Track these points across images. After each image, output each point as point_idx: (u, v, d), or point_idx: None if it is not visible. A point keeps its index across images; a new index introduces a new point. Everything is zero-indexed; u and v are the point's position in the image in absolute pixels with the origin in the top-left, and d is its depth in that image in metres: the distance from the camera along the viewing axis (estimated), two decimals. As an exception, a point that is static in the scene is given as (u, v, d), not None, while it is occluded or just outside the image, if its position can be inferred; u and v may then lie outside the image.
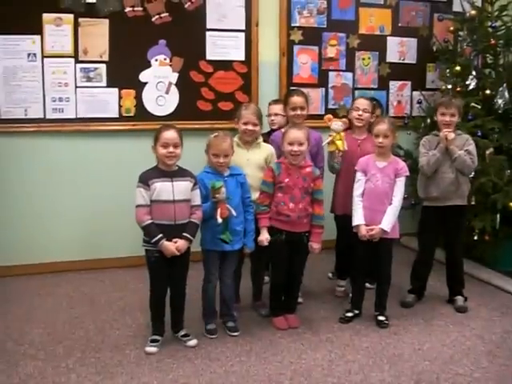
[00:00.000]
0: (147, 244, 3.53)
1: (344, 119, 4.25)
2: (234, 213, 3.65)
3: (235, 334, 3.82)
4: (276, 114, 4.52)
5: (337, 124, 4.13)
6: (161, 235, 3.45)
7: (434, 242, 4.38)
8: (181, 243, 3.50)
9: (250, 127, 3.96)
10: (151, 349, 3.56)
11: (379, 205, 3.92)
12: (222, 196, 3.59)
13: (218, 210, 3.60)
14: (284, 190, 3.81)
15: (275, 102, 4.67)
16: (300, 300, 4.27)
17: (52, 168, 4.89)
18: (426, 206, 4.35)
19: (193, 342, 3.66)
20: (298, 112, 4.16)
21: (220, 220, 3.59)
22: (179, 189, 3.52)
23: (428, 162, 4.16)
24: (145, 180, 3.50)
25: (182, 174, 3.58)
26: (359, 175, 4.01)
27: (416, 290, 4.43)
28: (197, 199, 3.60)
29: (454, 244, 4.34)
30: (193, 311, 3.87)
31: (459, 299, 4.34)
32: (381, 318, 4.02)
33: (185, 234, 3.52)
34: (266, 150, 4.06)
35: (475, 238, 4.84)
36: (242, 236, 3.80)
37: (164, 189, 3.49)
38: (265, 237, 3.81)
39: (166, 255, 3.49)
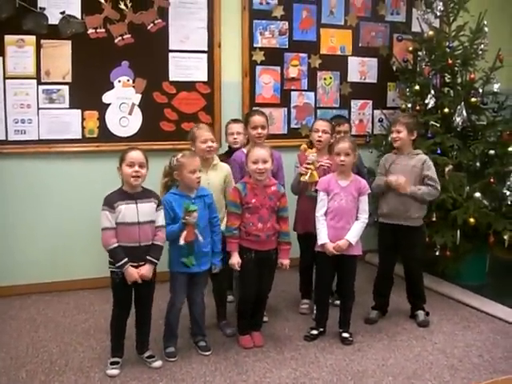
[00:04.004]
0: (112, 266, 3.51)
1: (314, 149, 4.34)
2: (200, 238, 3.65)
3: (207, 353, 3.82)
4: (238, 133, 4.56)
5: (313, 155, 4.23)
6: (125, 260, 3.44)
7: (391, 258, 4.43)
8: (145, 270, 3.49)
9: (210, 143, 3.99)
10: (113, 371, 3.53)
11: (344, 223, 3.97)
12: (192, 220, 3.58)
13: (184, 233, 3.60)
14: (251, 211, 3.83)
15: (235, 121, 4.72)
16: (265, 318, 4.28)
17: (14, 190, 4.84)
18: (381, 222, 4.44)
19: (158, 364, 3.64)
20: (259, 130, 4.24)
21: (182, 242, 3.59)
22: (144, 210, 3.52)
23: (377, 186, 4.34)
24: (110, 203, 3.49)
25: (146, 195, 3.57)
26: (321, 195, 4.04)
27: (379, 306, 4.48)
28: (160, 220, 3.59)
29: (410, 260, 4.39)
30: (158, 332, 3.86)
31: (420, 314, 4.40)
32: (345, 334, 4.05)
33: (149, 258, 3.51)
34: (223, 171, 4.12)
35: (437, 253, 4.92)
36: (209, 256, 3.79)
37: (128, 211, 3.48)
38: (237, 261, 3.82)
39: (128, 281, 3.48)
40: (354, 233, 3.96)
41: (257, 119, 4.29)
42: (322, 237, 4.00)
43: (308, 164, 4.21)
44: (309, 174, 4.19)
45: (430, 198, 4.28)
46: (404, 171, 4.25)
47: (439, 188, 4.29)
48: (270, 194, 3.87)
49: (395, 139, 4.28)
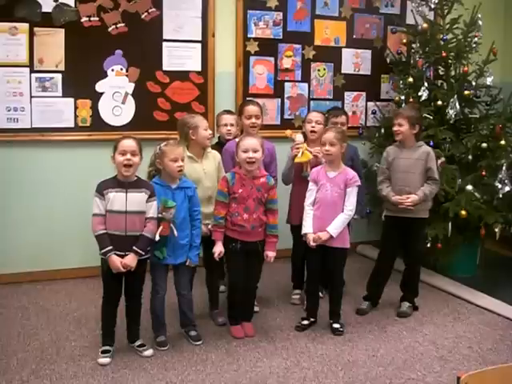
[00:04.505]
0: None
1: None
2: (175, 233, 3.64)
3: (198, 342, 3.83)
4: (231, 125, 4.55)
5: (299, 136, 4.23)
6: (110, 247, 3.45)
7: (392, 251, 4.41)
8: (128, 259, 3.47)
9: (210, 131, 4.04)
10: (104, 360, 3.53)
11: (329, 214, 3.95)
12: (168, 216, 3.59)
13: (160, 228, 3.59)
14: (238, 201, 3.82)
15: (227, 112, 4.71)
16: (256, 309, 4.29)
17: (6, 178, 4.82)
18: (386, 216, 4.42)
19: (149, 352, 3.65)
20: (253, 120, 4.24)
21: (157, 238, 3.58)
22: (133, 200, 3.50)
23: (380, 189, 4.33)
24: (100, 189, 3.50)
25: (138, 185, 3.56)
26: (310, 185, 4.04)
27: (371, 297, 4.49)
28: (151, 211, 3.56)
29: (413, 253, 4.40)
30: (148, 321, 3.86)
31: (404, 304, 4.43)
32: (336, 325, 4.07)
33: (134, 248, 3.50)
34: (215, 158, 4.14)
35: (428, 245, 4.92)
36: (186, 249, 3.77)
37: (117, 199, 3.48)
38: (218, 250, 3.83)
39: (111, 268, 3.48)
40: (335, 225, 3.93)
41: (251, 109, 4.29)
42: (306, 226, 4.01)
43: (297, 144, 4.21)
44: (301, 153, 4.18)
45: (433, 194, 4.29)
46: (408, 165, 4.23)
47: (439, 181, 4.31)
48: (258, 185, 3.86)
49: (396, 132, 4.25)
